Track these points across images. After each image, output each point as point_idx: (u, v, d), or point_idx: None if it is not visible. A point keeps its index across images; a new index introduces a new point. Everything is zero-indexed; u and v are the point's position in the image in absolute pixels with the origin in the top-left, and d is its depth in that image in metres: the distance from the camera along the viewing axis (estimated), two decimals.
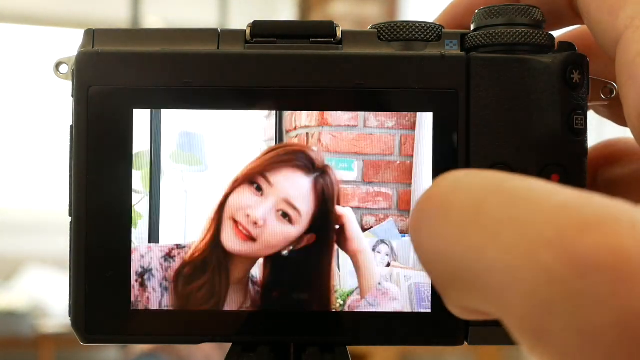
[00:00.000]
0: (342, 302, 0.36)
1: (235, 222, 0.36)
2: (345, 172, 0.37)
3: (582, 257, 0.19)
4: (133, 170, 0.36)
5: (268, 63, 0.36)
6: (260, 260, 0.37)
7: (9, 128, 3.90)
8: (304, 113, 0.36)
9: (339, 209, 0.37)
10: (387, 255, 0.37)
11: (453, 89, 0.36)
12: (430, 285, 0.36)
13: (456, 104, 0.36)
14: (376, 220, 0.37)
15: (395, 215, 0.37)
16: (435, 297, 0.36)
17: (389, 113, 0.36)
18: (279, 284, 0.36)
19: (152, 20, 3.74)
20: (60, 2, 3.98)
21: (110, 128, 0.36)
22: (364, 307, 0.36)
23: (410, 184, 0.37)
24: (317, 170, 0.36)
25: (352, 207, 0.37)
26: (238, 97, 0.36)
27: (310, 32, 0.37)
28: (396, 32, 0.36)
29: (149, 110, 0.36)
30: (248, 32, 0.37)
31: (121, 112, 0.36)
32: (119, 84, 0.36)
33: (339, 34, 0.37)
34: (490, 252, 0.21)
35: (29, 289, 3.46)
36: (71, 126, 0.36)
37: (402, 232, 0.37)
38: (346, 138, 0.37)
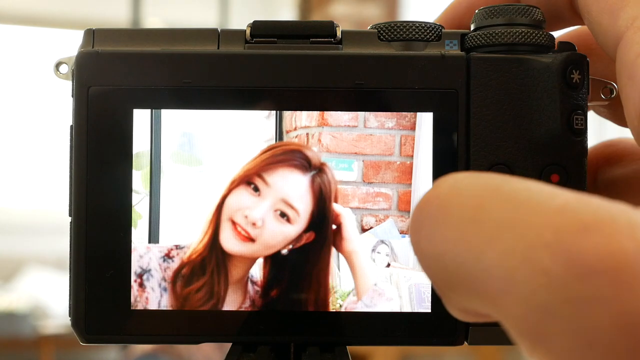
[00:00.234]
0: (341, 303, 0.36)
1: (234, 223, 0.36)
2: (345, 173, 0.37)
3: (581, 260, 0.19)
4: (133, 171, 0.36)
5: (268, 63, 0.36)
6: (260, 260, 0.37)
7: (10, 128, 3.90)
8: (304, 113, 0.36)
9: (337, 209, 0.36)
10: (387, 255, 0.37)
11: (453, 89, 0.36)
12: (430, 286, 0.36)
13: (456, 104, 0.36)
14: (376, 221, 0.37)
15: (395, 215, 0.37)
16: (435, 297, 0.36)
17: (389, 113, 0.36)
18: (279, 282, 0.36)
19: (153, 21, 3.74)
20: (61, 4, 3.98)
21: (110, 128, 0.36)
22: (361, 308, 0.36)
23: (410, 185, 0.37)
24: (313, 168, 0.36)
25: (352, 208, 0.37)
26: (238, 97, 0.36)
27: (310, 32, 0.37)
28: (396, 32, 0.36)
29: (149, 110, 0.36)
30: (248, 32, 0.37)
31: (121, 112, 0.36)
32: (119, 84, 0.36)
33: (339, 34, 0.37)
34: (489, 254, 0.21)
35: (29, 290, 3.46)
36: (71, 126, 0.36)
37: (402, 232, 0.37)
38: (346, 138, 0.37)
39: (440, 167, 0.36)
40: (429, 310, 0.36)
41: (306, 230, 0.36)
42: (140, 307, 0.36)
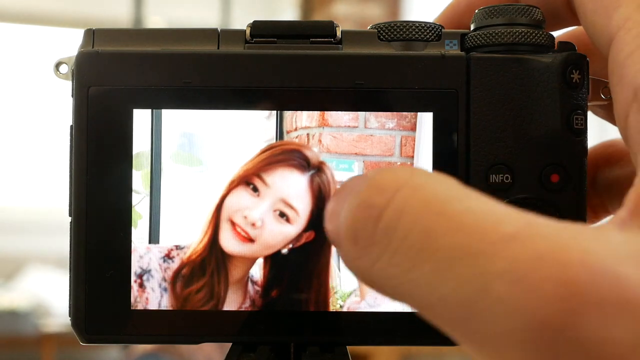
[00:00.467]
0: (342, 303, 0.36)
1: (233, 223, 0.36)
2: (345, 173, 0.37)
3: (537, 290, 0.20)
4: (133, 171, 0.36)
5: (268, 63, 0.36)
6: (260, 260, 0.37)
7: (10, 128, 3.90)
8: (305, 114, 0.36)
9: None
10: None
11: (453, 89, 0.36)
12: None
13: (456, 104, 0.36)
14: None
15: None
16: None
17: (389, 114, 0.36)
18: (279, 282, 0.36)
19: (155, 20, 3.74)
20: (63, 3, 3.98)
21: (110, 128, 0.36)
22: (364, 308, 0.36)
23: None
24: (312, 168, 0.36)
25: None
26: (238, 97, 0.36)
27: (310, 32, 0.37)
28: (396, 32, 0.36)
29: (149, 111, 0.36)
30: (248, 32, 0.37)
31: (121, 112, 0.36)
32: (119, 84, 0.36)
33: (338, 33, 0.37)
34: (444, 284, 0.21)
35: (31, 289, 3.47)
36: (71, 126, 0.36)
37: None
38: (347, 139, 0.37)
39: (440, 167, 0.36)
40: None
41: (306, 230, 0.36)
42: (140, 307, 0.36)
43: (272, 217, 0.36)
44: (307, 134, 0.36)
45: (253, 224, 0.36)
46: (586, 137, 0.35)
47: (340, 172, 0.37)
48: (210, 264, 0.36)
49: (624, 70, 0.26)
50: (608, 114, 0.38)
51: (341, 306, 0.36)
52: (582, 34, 0.37)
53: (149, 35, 0.37)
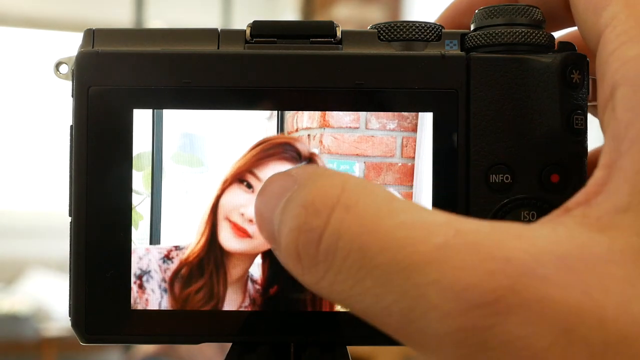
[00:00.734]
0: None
1: (231, 222, 0.36)
2: None
3: (464, 295, 0.22)
4: (135, 171, 0.36)
5: (268, 63, 0.36)
6: (259, 259, 0.37)
7: (11, 132, 3.90)
8: (306, 115, 0.36)
9: None
10: None
11: (453, 89, 0.36)
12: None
13: (456, 104, 0.36)
14: None
15: None
16: None
17: (390, 115, 0.36)
18: (279, 279, 0.36)
19: (156, 23, 3.75)
20: (64, 6, 3.99)
21: (110, 128, 0.36)
22: None
23: (411, 186, 0.37)
24: (304, 159, 0.37)
25: None
26: (238, 97, 0.36)
27: (310, 32, 0.37)
28: (396, 32, 0.37)
29: (150, 112, 0.36)
30: (248, 32, 0.37)
31: (121, 112, 0.36)
32: (119, 84, 0.36)
33: (339, 34, 0.37)
34: (385, 298, 0.24)
35: (32, 293, 3.47)
36: (71, 126, 0.36)
37: None
38: (348, 140, 0.37)
39: (440, 167, 0.36)
40: None
41: None
42: (140, 307, 0.36)
43: None
44: (308, 135, 0.37)
45: (250, 220, 0.36)
46: (586, 137, 0.35)
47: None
48: (208, 264, 0.36)
49: (606, 67, 0.26)
50: None
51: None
52: None
53: (149, 35, 0.37)
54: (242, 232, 0.36)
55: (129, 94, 0.36)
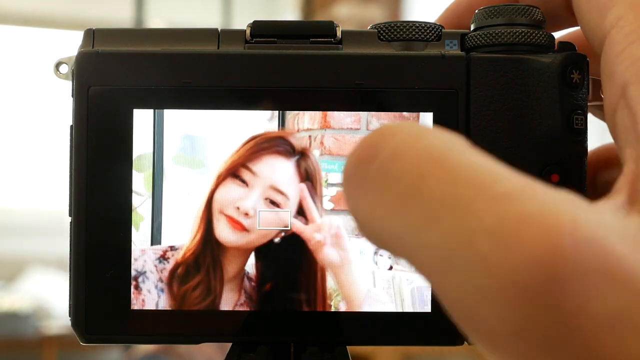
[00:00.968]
0: (340, 299, 0.36)
1: (227, 216, 0.37)
2: None
3: (519, 251, 0.20)
4: (136, 173, 0.36)
5: (268, 63, 0.36)
6: (252, 258, 0.37)
7: (11, 131, 3.90)
8: (307, 116, 0.36)
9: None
10: (390, 258, 0.37)
11: (453, 89, 0.36)
12: (431, 288, 0.36)
13: (456, 104, 0.36)
14: None
15: None
16: (435, 297, 0.36)
17: (391, 115, 0.36)
18: (275, 273, 0.36)
19: (156, 22, 3.74)
20: (64, 5, 3.98)
21: (110, 128, 0.36)
22: (364, 308, 0.36)
23: None
24: (297, 153, 0.37)
25: None
26: (238, 97, 0.36)
27: (310, 32, 0.37)
28: (396, 32, 0.37)
29: (151, 113, 0.36)
30: (248, 32, 0.37)
31: (121, 112, 0.36)
32: (119, 84, 0.36)
33: (339, 33, 0.37)
34: (429, 233, 0.21)
35: (32, 291, 3.47)
36: (71, 126, 0.36)
37: None
38: (349, 141, 0.37)
39: None
40: (429, 310, 0.36)
41: (298, 214, 0.36)
42: (140, 307, 0.36)
43: (264, 205, 0.36)
44: (309, 136, 0.37)
45: (246, 214, 0.36)
46: (586, 138, 0.35)
47: (341, 174, 0.37)
48: (205, 260, 0.36)
49: (613, 68, 0.26)
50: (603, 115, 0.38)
51: (339, 302, 0.36)
52: (582, 34, 0.38)
53: (149, 35, 0.37)
54: (238, 225, 0.37)
55: (129, 94, 0.36)
